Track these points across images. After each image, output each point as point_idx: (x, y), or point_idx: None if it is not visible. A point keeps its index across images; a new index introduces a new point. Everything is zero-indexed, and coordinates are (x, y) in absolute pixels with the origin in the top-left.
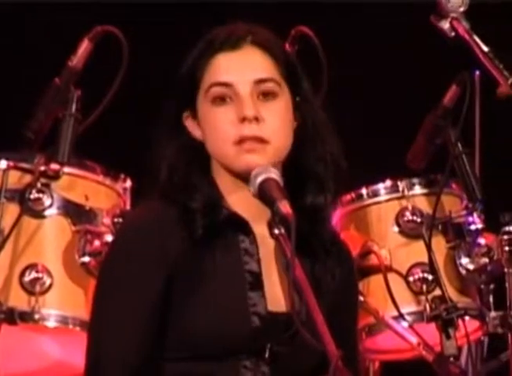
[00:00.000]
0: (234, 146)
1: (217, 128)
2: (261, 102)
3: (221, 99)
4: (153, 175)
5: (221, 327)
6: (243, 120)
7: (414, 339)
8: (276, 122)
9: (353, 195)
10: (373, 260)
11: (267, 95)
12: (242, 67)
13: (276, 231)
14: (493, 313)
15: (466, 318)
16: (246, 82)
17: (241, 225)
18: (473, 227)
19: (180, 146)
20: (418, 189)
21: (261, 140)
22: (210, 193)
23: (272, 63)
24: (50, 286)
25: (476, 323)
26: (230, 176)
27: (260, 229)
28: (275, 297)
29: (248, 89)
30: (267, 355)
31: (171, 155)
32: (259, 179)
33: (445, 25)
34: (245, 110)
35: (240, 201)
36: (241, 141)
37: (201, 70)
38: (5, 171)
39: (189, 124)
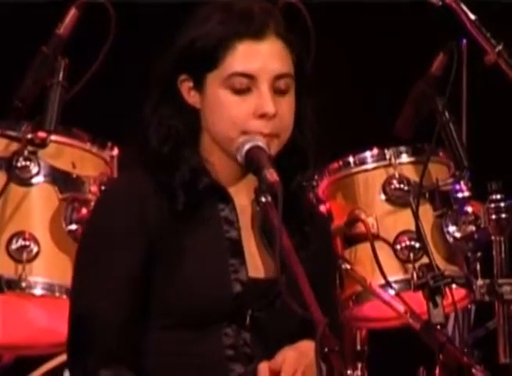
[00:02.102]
0: (244, 135)
1: (231, 115)
2: (276, 96)
3: (240, 88)
4: (139, 140)
5: (203, 294)
6: (263, 116)
7: (401, 307)
8: (288, 117)
9: (340, 163)
10: (360, 228)
11: (282, 90)
12: (266, 60)
13: (263, 199)
14: (480, 281)
15: (454, 286)
16: (267, 76)
17: (221, 194)
18: (460, 195)
19: (172, 109)
20: (405, 158)
21: (273, 135)
22: (196, 165)
23: (290, 56)
24: (37, 254)
25: (463, 292)
26: (219, 151)
27: (239, 199)
28: (255, 264)
29: (269, 83)
30: (248, 321)
31: (161, 120)
32: (246, 147)
33: None
34: (266, 106)
35: (223, 171)
36: (254, 134)
37: (223, 52)
38: None
39: (185, 88)
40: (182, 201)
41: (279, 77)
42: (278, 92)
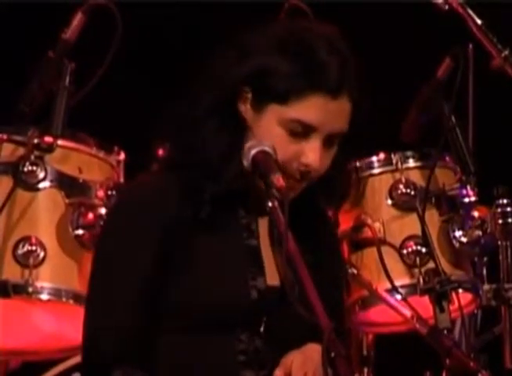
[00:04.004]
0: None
1: (275, 149)
2: (323, 147)
3: (296, 134)
4: (180, 140)
5: (221, 298)
6: (305, 165)
7: (407, 312)
8: (324, 168)
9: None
10: (366, 233)
11: (331, 143)
12: (332, 118)
13: (269, 204)
14: (486, 286)
15: (460, 291)
16: (326, 132)
17: (244, 203)
18: (466, 200)
19: (225, 120)
20: (411, 163)
21: (303, 181)
22: (234, 181)
23: (351, 116)
24: (44, 259)
25: (469, 296)
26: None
27: (258, 206)
28: (272, 271)
29: (324, 137)
30: (262, 329)
31: (214, 124)
32: (253, 152)
33: None
34: (312, 160)
35: (249, 184)
36: (287, 174)
37: (294, 96)
38: None
39: (242, 97)
40: (208, 208)
41: (335, 134)
42: (327, 145)
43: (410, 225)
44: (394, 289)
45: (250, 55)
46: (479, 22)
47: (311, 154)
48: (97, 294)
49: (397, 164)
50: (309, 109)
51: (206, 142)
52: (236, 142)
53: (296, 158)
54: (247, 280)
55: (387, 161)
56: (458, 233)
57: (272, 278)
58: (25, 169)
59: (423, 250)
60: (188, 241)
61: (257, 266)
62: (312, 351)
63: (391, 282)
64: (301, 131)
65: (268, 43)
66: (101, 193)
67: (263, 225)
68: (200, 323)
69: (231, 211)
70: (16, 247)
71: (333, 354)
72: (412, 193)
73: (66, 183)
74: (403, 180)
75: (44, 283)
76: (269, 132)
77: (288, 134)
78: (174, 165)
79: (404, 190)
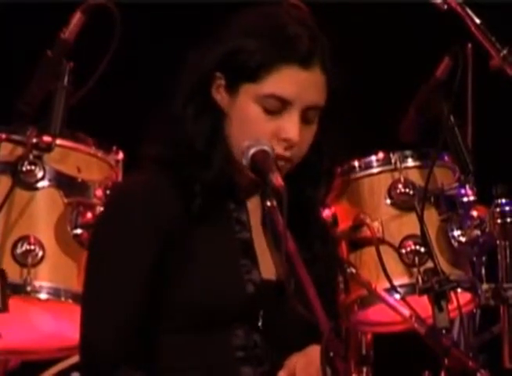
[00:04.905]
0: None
1: (256, 131)
2: (302, 124)
3: (271, 110)
4: (162, 135)
5: (217, 294)
6: (286, 140)
7: (406, 312)
8: (306, 146)
9: (345, 167)
10: (365, 232)
11: (309, 120)
12: (306, 90)
13: (268, 203)
14: (485, 286)
15: (459, 290)
16: (302, 105)
17: (233, 195)
18: (465, 199)
19: (202, 107)
20: (410, 162)
21: (289, 160)
22: (223, 167)
23: (327, 90)
24: (42, 258)
25: (468, 296)
26: (233, 156)
27: (249, 199)
28: (266, 265)
29: (300, 111)
30: (260, 323)
31: (192, 115)
32: (252, 151)
33: None
34: (292, 133)
35: (236, 173)
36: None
37: (266, 71)
38: None
39: (216, 85)
40: (200, 201)
41: (312, 108)
42: (305, 120)
43: (409, 224)
44: (392, 288)
45: (220, 41)
46: (478, 21)
47: (290, 128)
48: (94, 293)
49: (396, 163)
50: (282, 82)
51: (188, 130)
52: (217, 128)
53: (275, 136)
54: (242, 273)
55: (386, 161)
56: (457, 233)
57: (267, 271)
58: (24, 168)
59: (422, 249)
60: (182, 240)
61: (250, 259)
62: (316, 353)
63: (390, 281)
64: (276, 107)
65: (236, 28)
66: (99, 193)
67: (254, 215)
68: (197, 321)
69: (221, 205)
70: (14, 246)
71: (331, 354)
72: (411, 192)
73: (64, 183)
74: (402, 180)
75: (42, 282)
76: (246, 113)
77: (265, 112)
78: (163, 161)
79: (403, 190)
